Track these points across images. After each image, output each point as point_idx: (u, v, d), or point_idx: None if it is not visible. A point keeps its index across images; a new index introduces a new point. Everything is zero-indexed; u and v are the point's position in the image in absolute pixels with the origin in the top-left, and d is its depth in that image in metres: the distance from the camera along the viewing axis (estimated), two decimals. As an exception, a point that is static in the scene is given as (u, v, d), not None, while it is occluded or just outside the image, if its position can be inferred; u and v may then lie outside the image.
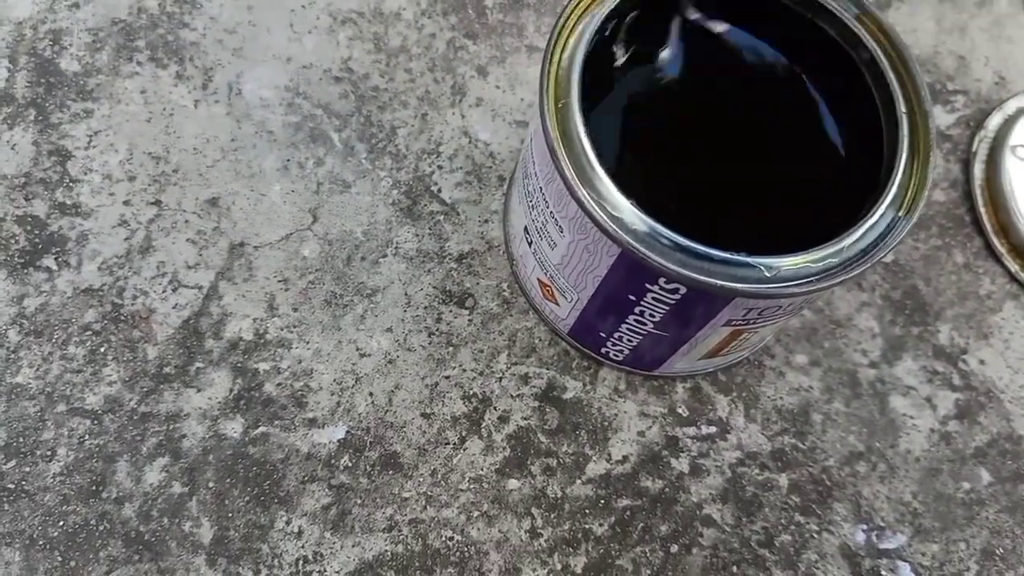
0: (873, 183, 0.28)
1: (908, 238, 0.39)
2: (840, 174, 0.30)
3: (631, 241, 0.25)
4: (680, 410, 0.35)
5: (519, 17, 0.40)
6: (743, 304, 0.27)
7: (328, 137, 0.37)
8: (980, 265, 0.39)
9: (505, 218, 0.36)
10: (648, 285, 0.27)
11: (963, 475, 0.35)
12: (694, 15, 0.30)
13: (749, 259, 0.26)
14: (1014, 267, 0.39)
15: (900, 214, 0.27)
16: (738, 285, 0.26)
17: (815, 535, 0.34)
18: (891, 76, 0.29)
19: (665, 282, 0.26)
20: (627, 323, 0.30)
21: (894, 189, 0.27)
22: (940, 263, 0.39)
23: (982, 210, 0.40)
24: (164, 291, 0.34)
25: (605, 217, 0.26)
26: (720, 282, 0.25)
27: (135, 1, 0.38)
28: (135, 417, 0.32)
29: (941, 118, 0.42)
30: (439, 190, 0.37)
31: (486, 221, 0.36)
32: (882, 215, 0.27)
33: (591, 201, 0.26)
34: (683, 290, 0.26)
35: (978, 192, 0.40)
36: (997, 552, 0.34)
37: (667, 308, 0.28)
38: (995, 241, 0.39)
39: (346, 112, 0.37)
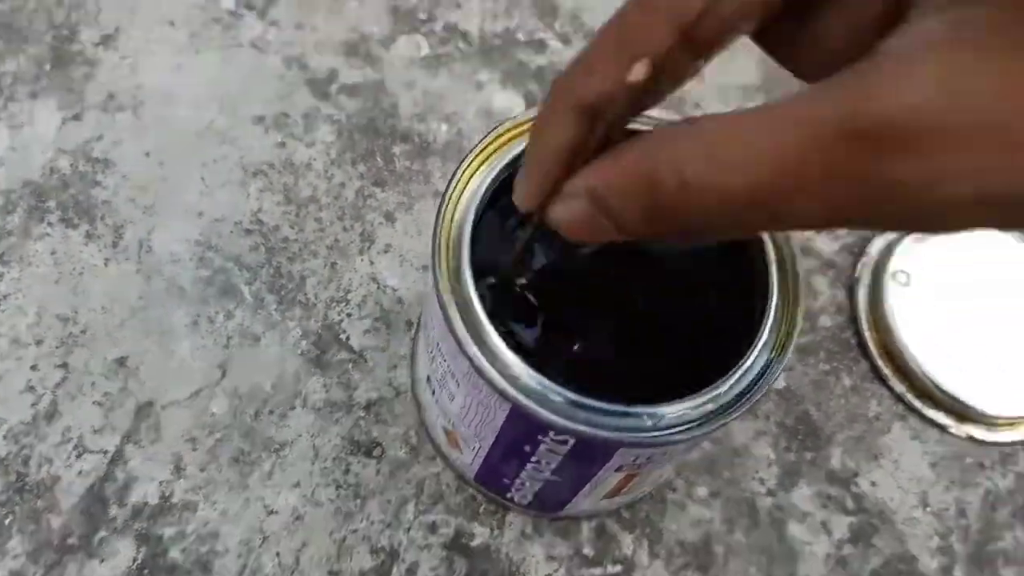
0: (747, 329, 0.30)
1: (799, 364, 0.41)
2: (717, 322, 0.32)
3: (520, 397, 0.27)
4: (586, 551, 0.36)
5: (426, 164, 0.42)
6: (630, 452, 0.28)
7: (238, 290, 0.38)
8: (867, 387, 0.41)
9: (412, 363, 0.37)
10: (540, 437, 0.28)
11: (860, 599, 0.37)
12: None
13: (632, 409, 0.27)
14: (900, 388, 0.41)
15: (773, 356, 0.29)
16: (623, 435, 0.27)
17: (720, 669, 0.35)
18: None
19: (555, 434, 0.28)
20: (526, 470, 0.31)
21: (766, 334, 0.29)
22: (829, 387, 0.41)
23: (867, 334, 0.42)
24: (69, 458, 0.34)
25: (495, 374, 0.27)
26: (605, 433, 0.27)
27: (47, 161, 0.39)
28: (40, 588, 0.32)
29: (826, 246, 0.44)
30: (348, 338, 0.38)
31: (395, 367, 0.38)
32: (755, 359, 0.29)
33: (481, 359, 0.27)
34: (572, 441, 0.28)
35: (862, 316, 0.43)
36: (896, 674, 0.36)
37: (560, 457, 0.29)
38: (880, 364, 0.42)
39: (256, 264, 0.38)
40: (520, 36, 0.46)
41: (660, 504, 0.37)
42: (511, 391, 0.27)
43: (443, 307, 0.28)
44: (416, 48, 0.45)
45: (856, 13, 0.18)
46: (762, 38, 0.20)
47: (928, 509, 0.39)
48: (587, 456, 0.29)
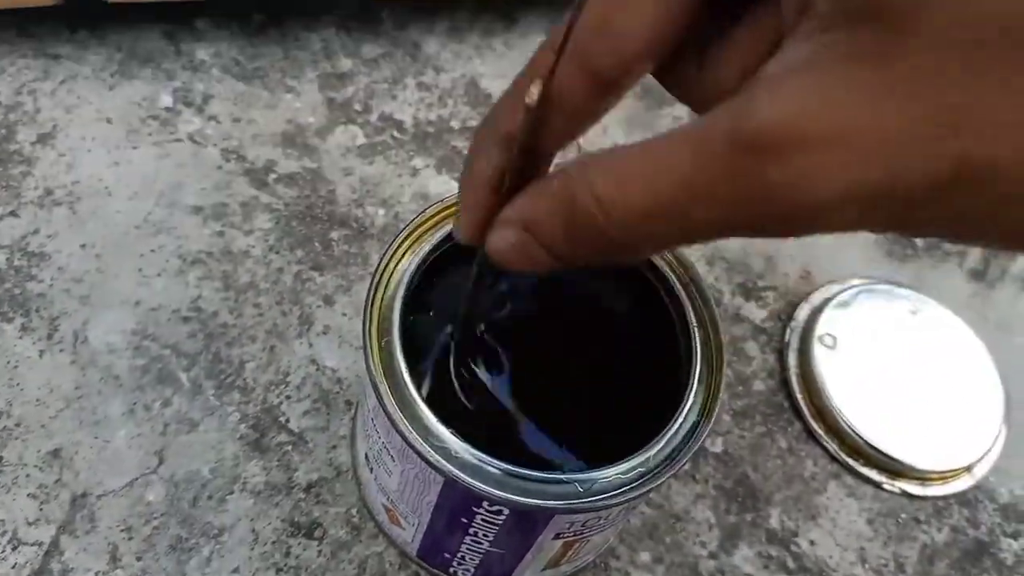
0: (674, 393, 0.31)
1: (735, 428, 0.42)
2: (645, 388, 0.33)
3: (452, 469, 0.27)
4: (531, 622, 0.36)
5: (363, 247, 0.43)
6: (565, 519, 0.29)
7: (176, 377, 0.38)
8: (802, 448, 0.42)
9: (352, 443, 0.38)
10: (475, 508, 0.29)
11: (806, 659, 0.37)
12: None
13: (564, 476, 0.28)
14: (832, 447, 0.42)
15: (699, 419, 0.30)
16: (556, 503, 0.28)
17: None
18: (683, 296, 0.32)
19: (489, 504, 0.28)
20: (466, 543, 0.31)
21: (691, 398, 0.30)
22: (766, 449, 0.42)
23: (799, 396, 0.44)
24: (3, 551, 0.33)
25: (428, 448, 0.27)
26: (537, 501, 0.27)
27: (-19, 258, 0.39)
28: None
29: (754, 313, 0.46)
30: (287, 420, 0.38)
31: (334, 447, 0.38)
32: (683, 422, 0.30)
33: (413, 433, 0.28)
34: (507, 512, 0.28)
35: (793, 380, 0.44)
36: None
37: (497, 527, 0.30)
38: (813, 424, 0.43)
39: (194, 351, 0.39)
40: (454, 124, 0.48)
41: (604, 573, 0.37)
42: (444, 465, 0.27)
43: (374, 384, 0.28)
44: (352, 138, 0.46)
45: (746, 55, 0.20)
46: (663, 78, 0.22)
47: (867, 565, 0.40)
48: (524, 525, 0.30)
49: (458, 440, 0.28)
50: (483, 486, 0.27)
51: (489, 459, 0.28)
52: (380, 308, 0.30)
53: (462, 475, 0.27)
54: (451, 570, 0.34)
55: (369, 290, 0.30)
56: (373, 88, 0.48)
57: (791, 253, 0.48)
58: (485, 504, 0.28)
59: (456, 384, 0.32)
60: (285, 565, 0.35)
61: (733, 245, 0.48)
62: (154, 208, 0.42)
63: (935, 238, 0.26)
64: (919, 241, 0.50)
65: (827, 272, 0.48)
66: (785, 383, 0.44)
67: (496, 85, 0.50)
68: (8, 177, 0.41)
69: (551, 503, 0.28)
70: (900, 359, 0.45)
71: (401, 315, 0.30)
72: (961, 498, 0.42)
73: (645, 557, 0.38)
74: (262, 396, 0.38)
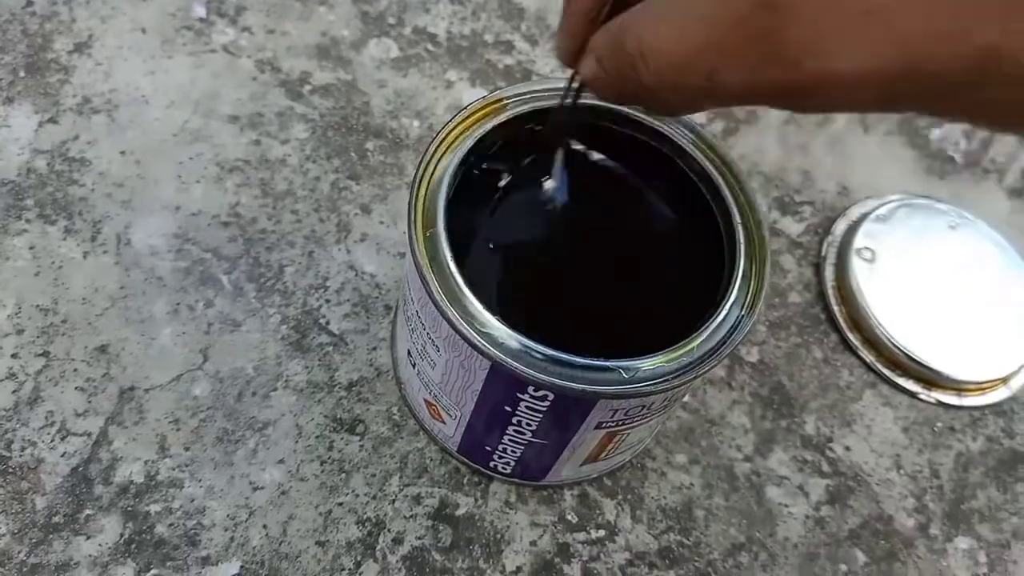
0: (718, 288, 0.31)
1: (771, 338, 0.42)
2: (689, 281, 0.33)
3: (499, 354, 0.27)
4: (569, 517, 0.36)
5: (399, 158, 0.43)
6: (608, 406, 0.29)
7: (217, 279, 0.38)
8: (838, 359, 0.42)
9: (392, 344, 0.38)
10: (520, 395, 0.29)
11: (839, 558, 0.37)
12: (551, 148, 0.34)
13: (609, 363, 0.28)
14: (869, 358, 0.42)
15: (743, 313, 0.30)
16: (600, 388, 0.28)
17: (707, 630, 0.35)
18: (726, 193, 0.32)
19: (534, 390, 0.28)
20: (508, 434, 0.32)
21: (735, 292, 0.30)
22: (801, 359, 0.42)
23: (835, 308, 0.44)
24: (52, 440, 0.34)
25: (474, 334, 0.28)
26: (582, 386, 0.27)
27: (24, 162, 0.39)
28: (24, 569, 0.32)
29: (791, 227, 0.46)
30: (327, 322, 0.38)
31: (374, 348, 0.38)
32: (726, 316, 0.30)
33: (460, 320, 0.28)
34: (551, 396, 0.28)
35: (830, 292, 0.44)
36: (880, 630, 0.36)
37: (540, 415, 0.30)
38: (849, 336, 0.43)
39: (235, 255, 0.39)
40: (487, 38, 0.48)
41: (640, 472, 0.38)
42: (490, 349, 0.28)
43: (421, 274, 0.28)
44: (386, 50, 0.46)
45: None
46: None
47: (902, 471, 0.40)
48: (567, 413, 0.30)
49: (504, 326, 0.28)
50: (528, 370, 0.27)
51: (535, 345, 0.28)
52: (424, 201, 0.30)
53: (508, 360, 0.27)
54: (491, 464, 0.35)
55: (413, 183, 0.30)
56: (406, 2, 0.48)
57: (828, 168, 0.48)
58: (530, 390, 0.29)
59: (503, 274, 0.32)
60: (328, 458, 0.36)
61: (770, 159, 0.47)
62: (191, 117, 0.42)
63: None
64: (958, 157, 0.50)
65: (864, 187, 0.48)
66: (821, 295, 0.44)
67: (529, 0, 0.50)
68: (46, 85, 0.42)
69: (595, 387, 0.28)
70: (938, 273, 0.45)
71: (445, 207, 0.30)
72: (997, 409, 0.42)
73: (681, 459, 0.38)
74: (302, 299, 0.39)
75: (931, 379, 0.42)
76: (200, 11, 0.45)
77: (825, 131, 0.49)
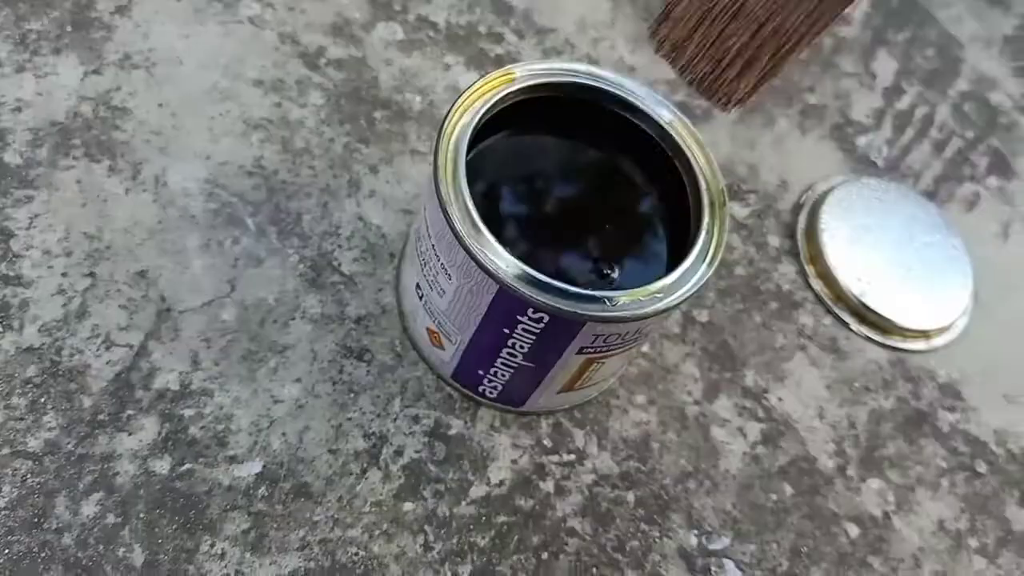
0: (686, 240, 0.37)
1: (718, 303, 0.49)
2: (663, 234, 0.39)
3: (507, 278, 0.33)
4: (545, 442, 0.42)
5: (403, 127, 0.48)
6: (592, 330, 0.35)
7: (243, 221, 0.43)
8: (774, 324, 0.49)
9: (397, 284, 0.43)
10: (519, 317, 0.35)
11: (771, 488, 0.44)
12: (552, 116, 0.39)
13: (596, 293, 0.34)
14: (817, 285, 0.51)
15: (704, 263, 0.36)
16: (589, 312, 0.34)
17: (657, 540, 0.41)
18: (695, 165, 0.38)
19: (532, 312, 0.34)
20: (501, 357, 0.37)
21: (699, 245, 0.37)
22: (743, 323, 0.49)
23: (799, 242, 0.52)
24: (98, 350, 0.39)
25: (487, 260, 0.33)
26: (574, 309, 0.33)
27: (71, 107, 0.44)
28: (72, 458, 0.36)
29: (738, 211, 0.52)
30: (339, 264, 0.44)
31: (380, 290, 0.43)
32: (692, 264, 0.36)
33: (476, 247, 0.34)
34: (546, 319, 0.34)
35: (799, 233, 0.52)
36: (803, 550, 0.43)
37: (534, 337, 0.36)
38: (807, 267, 0.51)
39: (258, 201, 0.44)
40: (481, 29, 0.54)
41: (605, 408, 0.44)
42: (500, 273, 0.33)
43: (445, 210, 0.34)
44: (392, 33, 0.52)
45: None
46: None
47: (824, 421, 0.47)
48: (557, 335, 0.36)
49: (511, 257, 0.34)
50: (530, 293, 0.33)
51: (536, 274, 0.34)
52: (447, 152, 0.36)
53: (515, 283, 0.33)
54: (480, 389, 0.41)
55: (437, 137, 0.35)
56: (412, -8, 0.54)
57: (771, 163, 0.55)
58: (529, 311, 0.34)
59: (512, 217, 0.38)
60: (339, 379, 0.41)
61: (722, 151, 0.54)
62: (220, 78, 0.47)
63: None
64: (880, 162, 0.58)
65: (800, 182, 0.55)
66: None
67: (521, -1, 0.56)
68: (91, 40, 0.46)
69: (585, 311, 0.34)
70: (887, 235, 0.53)
71: (466, 154, 0.35)
72: (906, 373, 0.50)
73: (641, 399, 0.44)
74: (317, 243, 0.44)
75: (862, 314, 0.50)
76: (229, -15, 0.50)
77: (770, 131, 0.56)
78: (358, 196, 0.46)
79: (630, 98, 0.39)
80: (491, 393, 0.41)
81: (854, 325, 0.50)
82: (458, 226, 0.34)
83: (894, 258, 0.52)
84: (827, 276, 0.51)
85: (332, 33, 0.51)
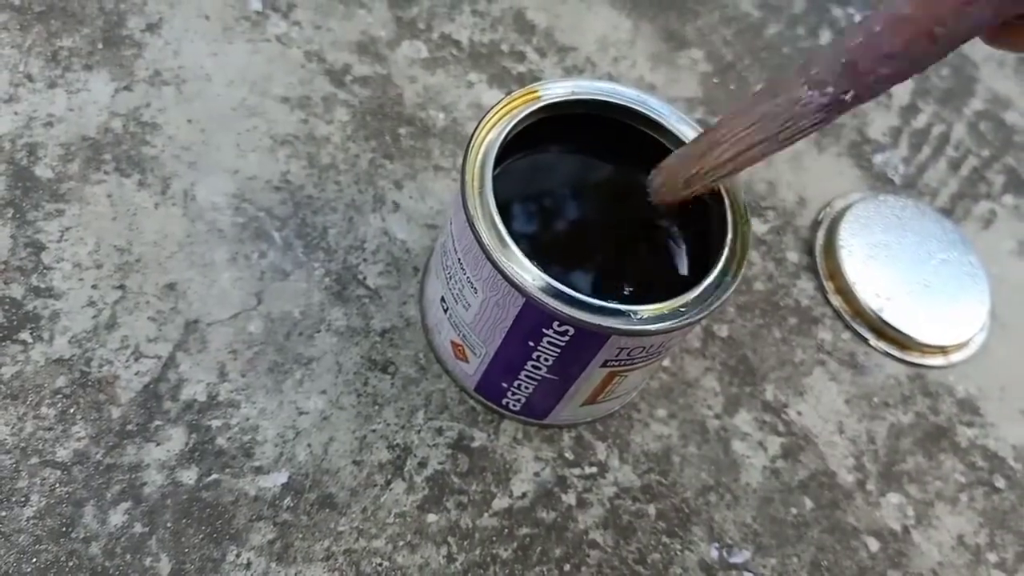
0: (709, 254, 0.38)
1: (738, 318, 0.49)
2: (686, 248, 0.40)
3: (533, 291, 0.34)
4: (567, 454, 0.42)
5: (427, 143, 0.49)
6: (617, 344, 0.35)
7: (270, 235, 0.44)
8: (793, 339, 0.49)
9: (421, 297, 0.44)
10: (544, 330, 0.35)
11: (791, 502, 0.44)
12: (576, 132, 0.40)
13: (621, 307, 0.34)
14: (836, 302, 0.51)
15: (728, 278, 0.37)
16: (613, 325, 0.34)
17: (678, 553, 0.41)
18: (724, 192, 0.39)
19: (558, 324, 0.34)
20: (526, 369, 0.38)
21: (722, 259, 0.37)
22: (763, 338, 0.49)
23: (817, 258, 0.52)
24: (127, 360, 0.39)
25: (514, 272, 0.34)
26: (599, 321, 0.34)
27: (103, 122, 0.45)
28: (101, 468, 0.37)
29: (757, 227, 0.53)
30: (364, 278, 0.44)
31: (404, 303, 0.44)
32: (716, 277, 0.36)
33: (503, 261, 0.34)
34: (572, 332, 0.35)
35: (817, 248, 0.53)
36: (823, 564, 0.43)
37: (558, 350, 0.36)
38: (825, 284, 0.52)
39: (285, 215, 0.45)
40: (504, 47, 0.55)
41: (627, 421, 0.44)
42: (527, 286, 0.34)
43: (472, 224, 0.35)
44: (417, 51, 0.52)
45: None
46: None
47: (844, 436, 0.47)
48: (582, 348, 0.36)
49: (537, 270, 0.34)
50: (556, 306, 0.34)
51: (562, 287, 0.34)
52: (475, 162, 0.36)
53: (541, 296, 0.34)
54: (503, 402, 0.41)
55: (466, 152, 0.36)
56: (435, 11, 0.54)
57: (789, 180, 0.55)
58: (554, 325, 0.35)
59: (538, 231, 0.38)
60: (364, 392, 0.41)
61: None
62: (248, 95, 0.48)
63: None
64: (896, 179, 0.58)
65: (818, 199, 0.55)
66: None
67: (540, 17, 0.56)
68: (121, 57, 0.47)
69: (610, 324, 0.34)
70: (905, 250, 0.53)
71: (492, 169, 0.36)
72: (924, 389, 0.50)
73: (661, 412, 0.45)
74: (343, 257, 0.44)
75: (881, 329, 0.50)
76: (256, 5, 0.51)
77: (788, 149, 0.57)
78: (383, 211, 0.46)
79: (653, 115, 0.40)
80: (514, 406, 0.41)
81: (873, 341, 0.50)
82: (485, 240, 0.34)
83: (912, 274, 0.52)
84: (846, 292, 0.51)
85: (358, 51, 0.51)
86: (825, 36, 0.63)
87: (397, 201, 0.47)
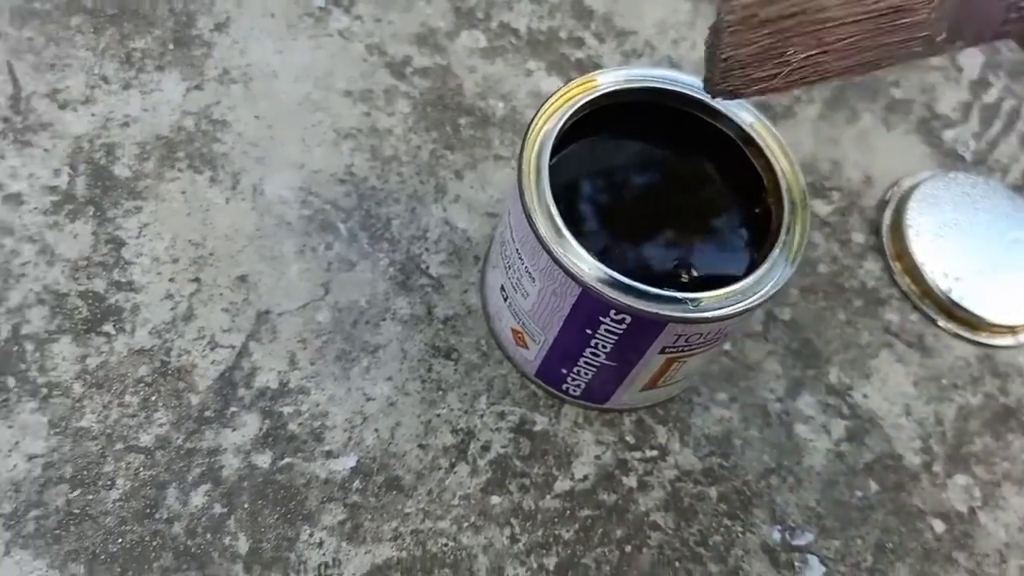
0: (767, 241, 0.38)
1: (801, 301, 0.49)
2: (744, 235, 0.40)
3: (590, 281, 0.34)
4: (628, 438, 0.43)
5: (487, 133, 0.50)
6: (674, 331, 0.36)
7: (336, 227, 0.45)
8: (859, 321, 0.49)
9: (482, 286, 0.45)
10: (601, 318, 0.36)
11: (856, 485, 0.44)
12: (633, 120, 0.40)
13: (678, 294, 0.35)
14: (904, 282, 0.50)
15: (787, 262, 0.37)
16: (670, 313, 0.35)
17: (740, 535, 0.42)
18: (777, 167, 0.39)
19: (615, 313, 0.35)
20: (584, 356, 0.38)
21: (780, 245, 0.37)
22: (827, 320, 0.48)
23: (886, 242, 0.52)
24: (204, 350, 0.41)
25: (571, 262, 0.35)
26: (656, 309, 0.34)
27: (175, 121, 0.46)
28: (182, 452, 0.39)
29: (821, 209, 0.52)
30: (427, 267, 0.45)
31: (465, 291, 0.45)
32: (773, 263, 0.36)
33: (559, 251, 0.35)
34: (628, 320, 0.35)
35: (884, 229, 0.52)
36: (888, 546, 0.43)
37: (616, 338, 0.37)
38: (892, 264, 0.51)
39: (350, 207, 0.46)
40: (562, 34, 0.55)
41: (688, 405, 0.44)
42: (583, 276, 0.34)
43: (529, 215, 0.35)
44: (476, 41, 0.53)
45: None
46: None
47: (911, 418, 0.46)
48: (639, 335, 0.37)
49: (594, 260, 0.35)
50: (612, 295, 0.34)
51: (618, 276, 0.35)
52: (531, 158, 0.37)
53: (597, 285, 0.34)
54: (563, 387, 0.42)
55: (523, 144, 0.37)
56: (493, 0, 0.55)
57: (855, 160, 0.55)
58: (611, 313, 0.35)
59: (595, 220, 0.39)
60: (428, 378, 0.42)
61: (804, 149, 0.54)
62: (312, 90, 0.49)
63: None
64: (967, 156, 0.56)
65: (885, 177, 0.54)
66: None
67: (598, 2, 0.56)
68: (192, 57, 0.49)
69: (667, 312, 0.35)
70: (979, 232, 0.52)
71: (549, 160, 0.36)
72: (994, 369, 0.49)
73: (722, 396, 0.45)
74: (406, 247, 0.46)
75: (950, 310, 0.49)
76: (319, 0, 0.52)
77: (853, 127, 0.56)
78: (444, 201, 0.47)
79: (710, 101, 0.39)
80: (574, 391, 0.42)
81: (941, 321, 0.49)
82: (541, 231, 0.35)
83: (982, 254, 0.51)
84: (913, 272, 0.50)
85: (417, 43, 0.52)
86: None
87: (458, 191, 0.48)
